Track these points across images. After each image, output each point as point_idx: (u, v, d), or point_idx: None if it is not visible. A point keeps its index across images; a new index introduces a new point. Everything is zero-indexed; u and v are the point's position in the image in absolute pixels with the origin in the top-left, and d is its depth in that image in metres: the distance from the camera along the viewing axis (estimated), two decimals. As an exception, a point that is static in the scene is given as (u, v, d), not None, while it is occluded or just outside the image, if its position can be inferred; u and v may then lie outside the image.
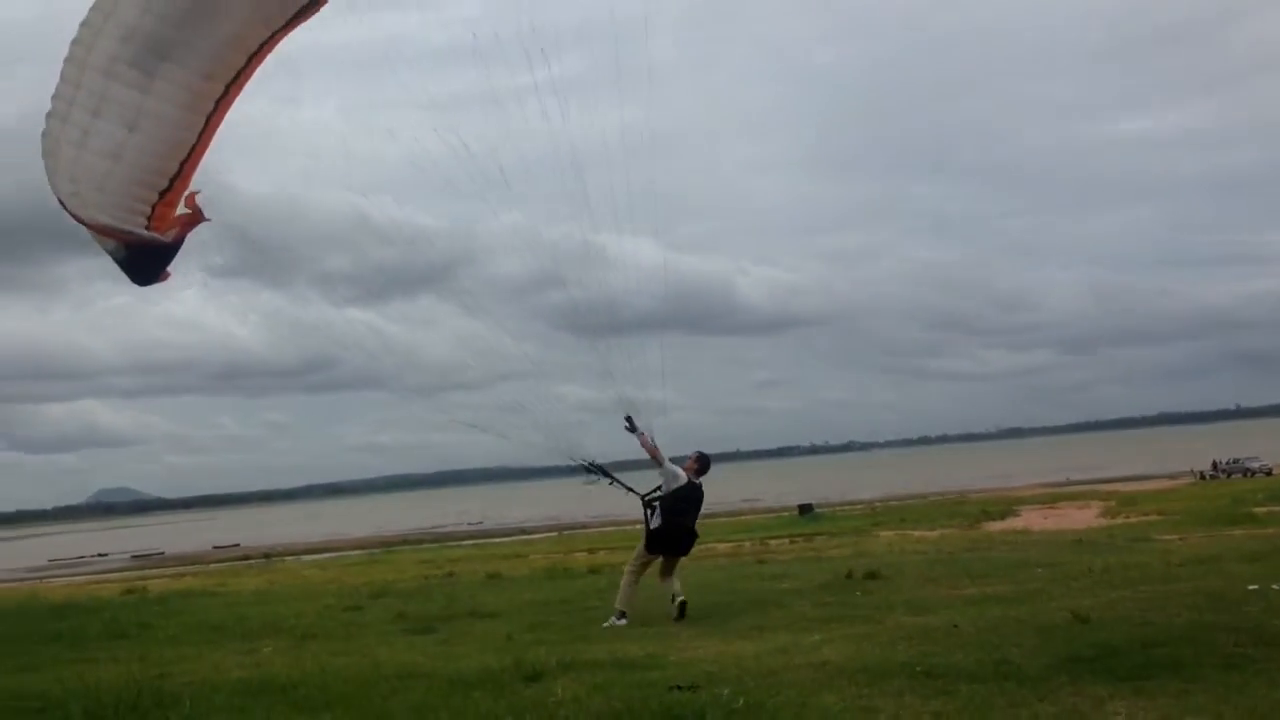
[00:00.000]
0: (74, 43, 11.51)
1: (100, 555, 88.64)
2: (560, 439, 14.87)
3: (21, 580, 59.08)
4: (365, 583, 27.73)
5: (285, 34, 12.14)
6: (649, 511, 15.10)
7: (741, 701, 8.44)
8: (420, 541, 61.89)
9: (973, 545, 26.04)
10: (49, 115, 11.56)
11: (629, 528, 59.42)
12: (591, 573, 24.90)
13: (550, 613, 16.98)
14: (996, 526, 34.47)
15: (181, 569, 54.55)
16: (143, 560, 76.02)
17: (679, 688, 9.24)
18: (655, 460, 15.12)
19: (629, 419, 15.02)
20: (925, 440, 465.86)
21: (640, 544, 15.56)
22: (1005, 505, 43.98)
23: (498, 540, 46.24)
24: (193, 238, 12.29)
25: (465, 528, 79.33)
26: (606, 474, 15.30)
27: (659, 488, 15.20)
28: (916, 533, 33.49)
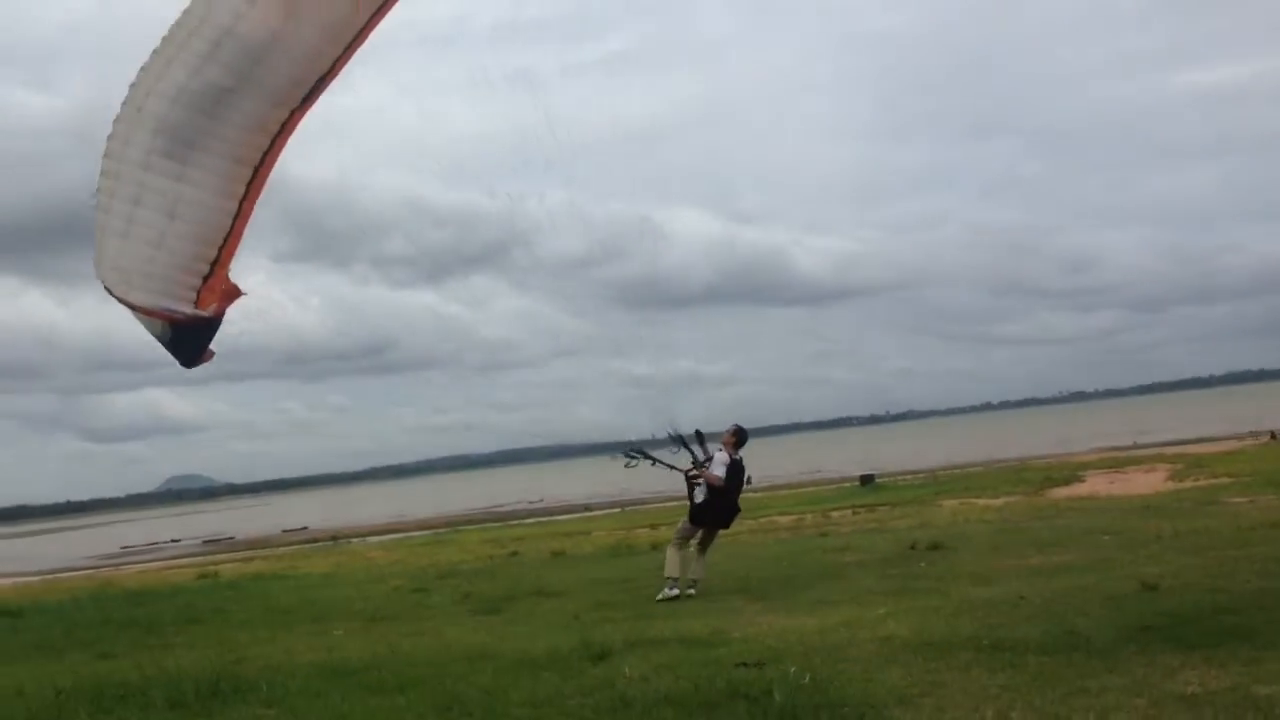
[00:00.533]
0: (110, 138, 12.11)
1: (173, 541, 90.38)
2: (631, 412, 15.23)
3: (97, 567, 60.51)
4: (431, 564, 28.08)
5: (304, 112, 12.66)
6: (693, 486, 15.46)
7: (808, 678, 8.48)
8: (483, 521, 62.36)
9: (1038, 513, 25.78)
10: (93, 208, 12.30)
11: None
12: (655, 549, 24.97)
13: (615, 591, 17.11)
14: (1061, 493, 34.00)
15: (251, 553, 55.54)
16: (213, 545, 77.42)
17: (745, 665, 9.30)
18: (711, 484, 15.31)
19: (693, 463, 15.46)
20: (988, 406, 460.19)
21: (684, 518, 15.85)
22: (1070, 471, 43.31)
23: (560, 518, 46.53)
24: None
25: (527, 506, 79.92)
26: (648, 456, 15.61)
27: (696, 463, 15.52)
28: (980, 501, 33.14)
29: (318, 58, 12.37)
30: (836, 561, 18.29)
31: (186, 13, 11.94)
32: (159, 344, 13.00)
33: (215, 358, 13.24)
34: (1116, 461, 47.44)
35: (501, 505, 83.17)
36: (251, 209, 12.86)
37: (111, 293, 12.42)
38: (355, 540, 56.41)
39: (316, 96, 12.58)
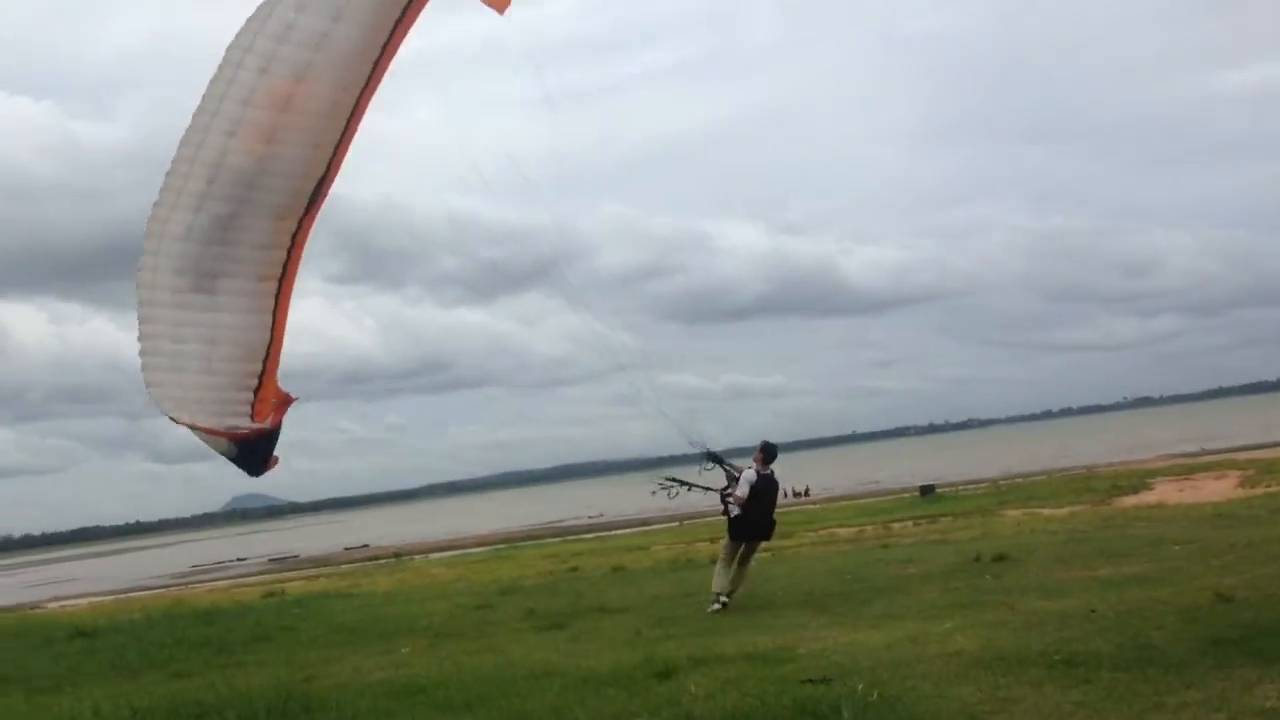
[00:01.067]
0: (139, 285, 12.99)
1: (239, 560, 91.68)
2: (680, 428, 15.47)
3: (168, 586, 61.56)
4: (492, 580, 28.23)
5: (312, 217, 13.44)
6: (727, 503, 15.83)
7: (876, 695, 8.42)
8: (542, 536, 62.51)
9: (1105, 522, 25.36)
10: (141, 352, 13.10)
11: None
12: (713, 563, 24.95)
13: (676, 606, 17.10)
14: (1129, 501, 33.41)
15: (316, 570, 56.17)
16: (279, 563, 78.39)
17: (811, 681, 9.25)
18: (739, 501, 15.66)
19: (714, 459, 15.92)
20: (1048, 414, 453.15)
21: (726, 535, 16.23)
22: (1137, 478, 42.56)
23: (619, 532, 46.53)
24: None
25: (586, 521, 79.98)
26: (683, 483, 16.16)
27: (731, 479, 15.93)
28: (1045, 511, 32.66)
29: (309, 167, 13.39)
30: (900, 574, 18.11)
31: (177, 158, 12.64)
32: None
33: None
34: (1185, 468, 46.58)
35: (560, 521, 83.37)
36: (285, 317, 13.74)
37: (175, 419, 13.16)
38: (417, 557, 56.84)
39: (321, 200, 13.41)
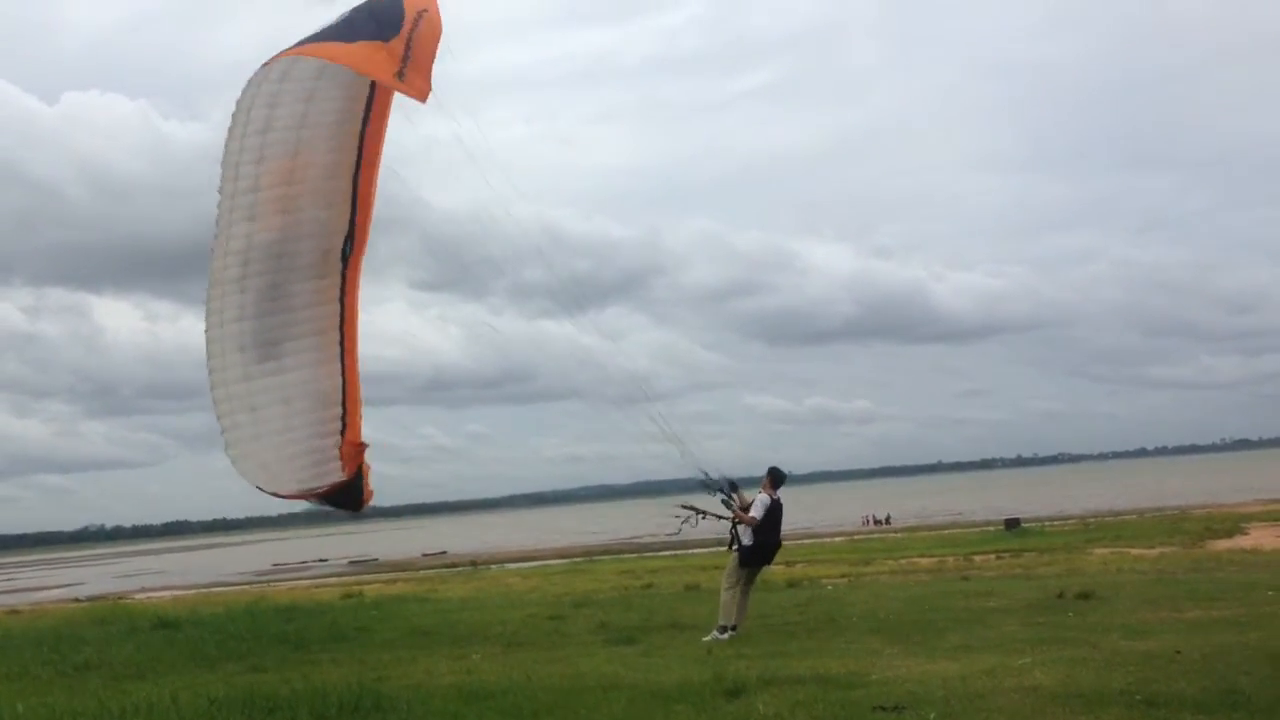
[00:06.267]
0: (210, 373, 14.11)
1: (320, 560, 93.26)
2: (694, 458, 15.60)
3: (251, 583, 62.85)
4: (567, 592, 28.31)
5: (355, 268, 14.51)
6: (735, 530, 15.73)
7: (948, 725, 8.25)
8: (619, 551, 62.56)
9: (1196, 565, 24.61)
10: (222, 430, 14.17)
11: (826, 540, 58.67)
12: (789, 586, 24.72)
13: (748, 626, 16.97)
14: (1222, 545, 32.35)
15: (394, 574, 56.85)
16: (359, 565, 79.47)
17: (883, 708, 9.11)
18: (752, 523, 15.58)
19: (730, 491, 15.76)
20: (1142, 452, 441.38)
21: (732, 561, 16.00)
22: (1232, 522, 41.22)
23: (695, 551, 46.31)
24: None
25: (663, 538, 79.87)
26: (700, 511, 16.00)
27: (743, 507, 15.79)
28: (1133, 551, 31.77)
29: (330, 225, 15.14)
30: (979, 607, 17.75)
31: (212, 256, 13.93)
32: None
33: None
34: (1283, 513, 44.99)
35: (637, 536, 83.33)
36: (355, 362, 14.74)
37: (262, 489, 14.41)
38: (493, 566, 57.25)
39: (358, 252, 14.47)
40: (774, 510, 15.78)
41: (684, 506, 16.17)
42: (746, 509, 15.68)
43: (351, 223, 14.42)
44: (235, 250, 13.90)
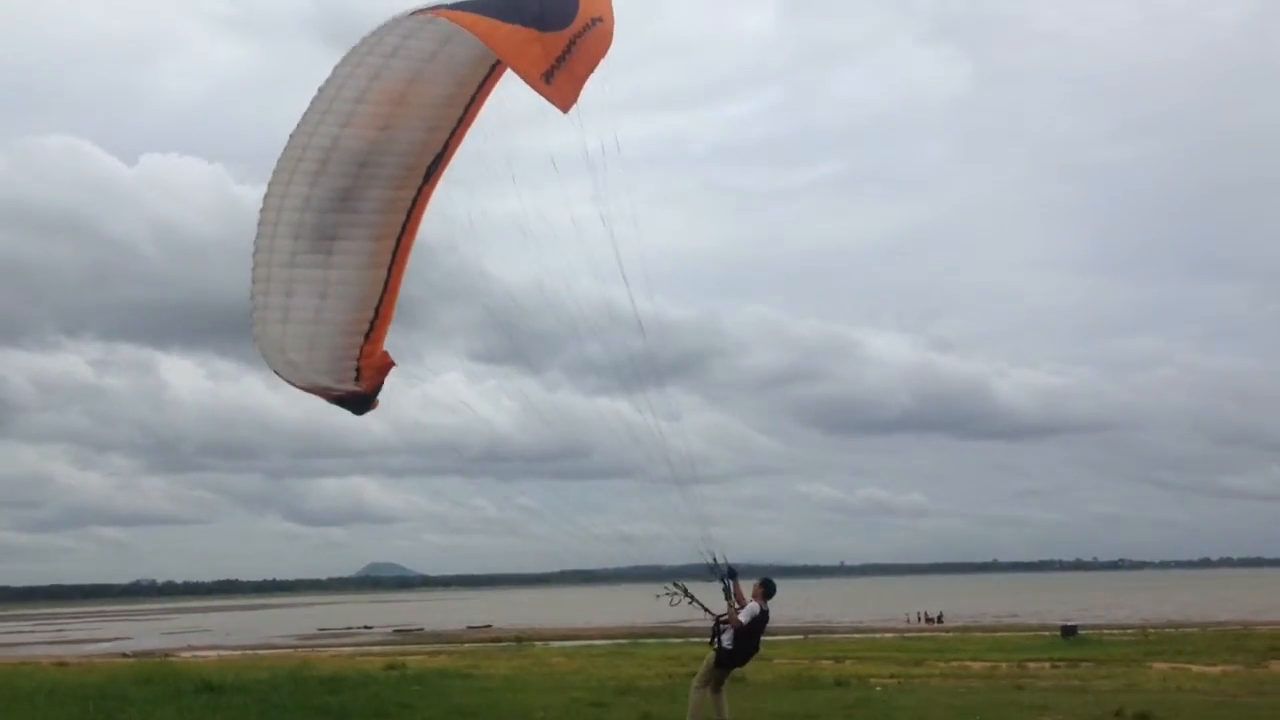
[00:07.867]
0: (255, 252, 13.76)
1: (365, 627, 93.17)
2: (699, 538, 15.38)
3: (295, 647, 62.93)
4: (611, 676, 27.97)
5: (431, 185, 14.08)
6: (719, 629, 15.44)
7: None
8: (665, 635, 61.82)
9: (1259, 686, 23.76)
10: (253, 308, 13.84)
11: (878, 636, 57.55)
12: (837, 684, 24.23)
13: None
14: (1288, 666, 31.27)
15: (438, 646, 56.64)
16: (403, 635, 79.27)
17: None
18: (734, 625, 15.31)
19: (728, 575, 15.45)
20: (1206, 563, 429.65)
21: (709, 659, 15.72)
22: (1299, 641, 39.91)
23: (742, 641, 45.86)
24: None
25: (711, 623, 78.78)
26: (690, 595, 15.75)
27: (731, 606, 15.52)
28: (1195, 668, 30.74)
29: (424, 146, 13.98)
30: (1033, 720, 17.25)
31: (289, 146, 13.53)
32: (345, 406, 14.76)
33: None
34: (1354, 636, 43.40)
35: (685, 621, 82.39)
36: (401, 274, 14.33)
37: (281, 376, 14.09)
38: (538, 643, 56.82)
39: (438, 174, 14.02)
40: (759, 619, 15.51)
41: (675, 584, 15.92)
42: (740, 602, 15.40)
43: (445, 145, 13.96)
44: (317, 146, 13.49)
